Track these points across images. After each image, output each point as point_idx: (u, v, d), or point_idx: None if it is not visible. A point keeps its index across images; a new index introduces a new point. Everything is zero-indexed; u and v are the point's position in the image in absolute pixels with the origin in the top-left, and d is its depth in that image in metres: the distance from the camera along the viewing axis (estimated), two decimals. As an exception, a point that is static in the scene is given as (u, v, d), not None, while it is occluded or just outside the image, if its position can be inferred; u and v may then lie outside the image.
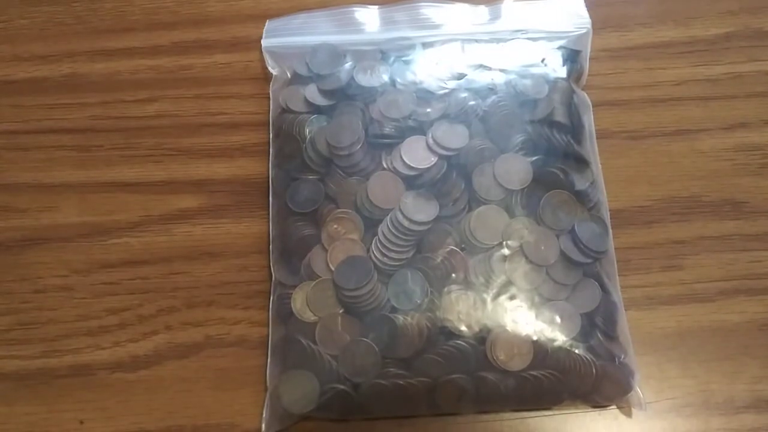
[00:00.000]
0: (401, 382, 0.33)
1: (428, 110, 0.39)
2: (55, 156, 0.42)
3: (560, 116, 0.38)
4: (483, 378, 0.33)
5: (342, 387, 0.33)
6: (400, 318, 0.34)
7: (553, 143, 0.37)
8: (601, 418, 0.34)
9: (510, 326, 0.33)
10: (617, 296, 0.35)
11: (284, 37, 0.43)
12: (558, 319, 0.34)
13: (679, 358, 0.35)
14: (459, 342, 0.33)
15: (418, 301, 0.34)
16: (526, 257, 0.35)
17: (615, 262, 0.36)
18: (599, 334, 0.34)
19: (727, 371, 0.35)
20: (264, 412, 0.34)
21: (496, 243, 0.35)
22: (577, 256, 0.35)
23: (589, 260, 0.35)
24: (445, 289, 0.34)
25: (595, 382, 0.33)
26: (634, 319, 0.35)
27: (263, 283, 0.38)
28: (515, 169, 0.37)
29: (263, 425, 0.34)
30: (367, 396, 0.33)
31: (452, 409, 0.34)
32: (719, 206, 0.39)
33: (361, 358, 0.33)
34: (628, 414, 0.34)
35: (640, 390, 0.34)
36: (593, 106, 0.40)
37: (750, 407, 0.34)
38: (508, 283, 0.34)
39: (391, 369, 0.33)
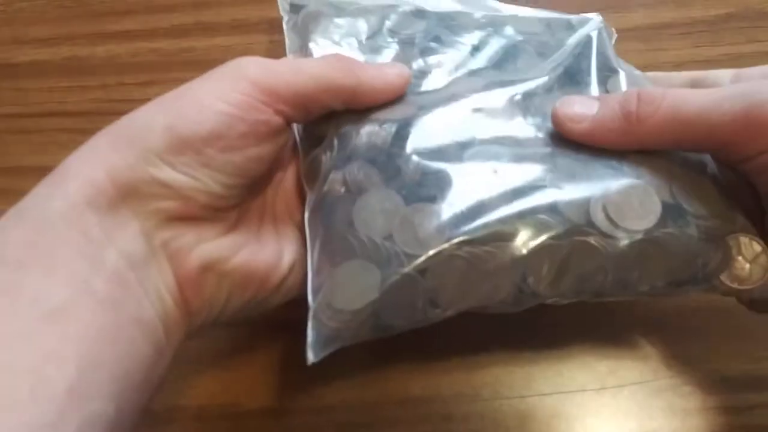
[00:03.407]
0: (478, 251, 0.27)
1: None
2: (57, 139, 0.42)
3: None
4: (584, 243, 0.26)
5: (407, 270, 0.26)
6: None
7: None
8: (599, 397, 0.34)
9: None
10: None
11: None
12: None
13: (679, 337, 0.36)
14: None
15: None
16: None
17: None
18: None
19: (726, 350, 0.35)
20: (309, 335, 0.27)
21: None
22: None
23: None
24: None
25: None
26: (632, 299, 0.36)
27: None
28: None
29: (309, 352, 0.27)
30: (437, 276, 0.27)
31: (544, 291, 0.28)
32: (718, 187, 0.39)
33: (422, 226, 0.27)
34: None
35: None
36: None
37: (748, 386, 0.34)
38: None
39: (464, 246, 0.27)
